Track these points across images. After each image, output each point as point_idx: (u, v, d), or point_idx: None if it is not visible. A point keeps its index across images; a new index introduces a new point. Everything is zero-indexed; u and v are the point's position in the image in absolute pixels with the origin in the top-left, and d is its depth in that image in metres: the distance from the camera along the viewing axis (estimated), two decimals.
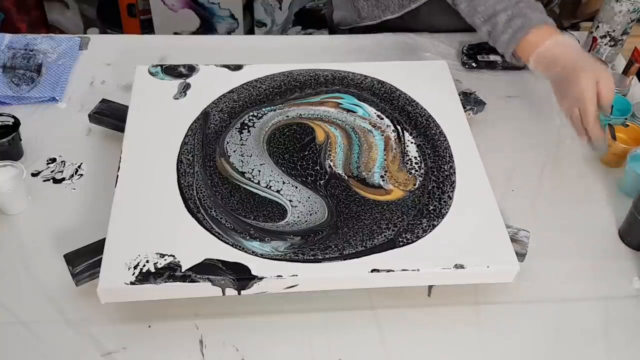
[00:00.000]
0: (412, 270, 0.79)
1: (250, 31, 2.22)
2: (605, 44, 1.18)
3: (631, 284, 0.89)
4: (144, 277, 0.76)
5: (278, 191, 0.87)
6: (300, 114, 0.98)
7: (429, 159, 0.93)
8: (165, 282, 0.75)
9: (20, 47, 1.17)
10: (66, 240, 0.85)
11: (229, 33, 2.16)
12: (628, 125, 1.04)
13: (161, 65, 1.05)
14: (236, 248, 0.79)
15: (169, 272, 0.76)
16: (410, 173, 0.91)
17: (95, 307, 0.78)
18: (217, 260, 0.78)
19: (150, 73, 1.03)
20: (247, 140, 0.94)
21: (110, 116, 1.01)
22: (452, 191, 0.88)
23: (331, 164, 0.91)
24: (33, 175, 0.96)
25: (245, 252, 0.79)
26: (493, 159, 0.97)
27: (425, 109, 1.01)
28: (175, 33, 2.11)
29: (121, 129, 0.95)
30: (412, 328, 0.83)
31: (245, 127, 0.96)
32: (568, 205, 0.98)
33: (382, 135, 0.96)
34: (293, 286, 0.78)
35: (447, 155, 0.93)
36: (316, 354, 0.79)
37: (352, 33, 1.30)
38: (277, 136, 0.95)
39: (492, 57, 1.21)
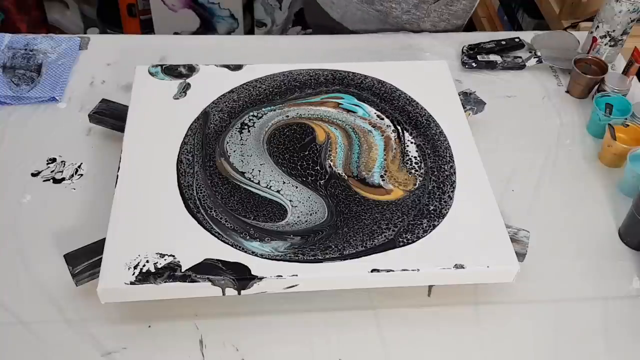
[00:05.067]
0: (412, 270, 0.79)
1: (250, 31, 2.22)
2: (605, 44, 1.18)
3: (631, 284, 0.89)
4: (144, 277, 0.76)
5: (278, 191, 0.87)
6: (300, 114, 0.98)
7: (429, 159, 0.93)
8: (165, 282, 0.75)
9: (20, 47, 1.17)
10: (66, 240, 0.85)
11: (229, 33, 2.16)
12: (628, 125, 1.04)
13: (161, 65, 1.05)
14: (236, 248, 0.79)
15: (169, 272, 0.76)
16: (410, 173, 0.91)
17: (95, 307, 0.78)
18: (217, 260, 0.78)
19: (150, 73, 1.03)
20: (247, 140, 0.94)
21: (110, 116, 1.01)
22: (452, 191, 0.88)
23: (331, 164, 0.91)
24: (33, 175, 0.96)
25: (245, 252, 0.79)
26: (493, 159, 0.97)
27: (425, 109, 1.01)
28: (175, 33, 2.11)
29: (121, 129, 0.95)
30: (412, 328, 0.83)
31: (245, 127, 0.96)
32: (568, 205, 0.98)
33: (382, 135, 0.96)
34: (293, 286, 0.78)
35: (447, 155, 0.93)
36: (316, 354, 0.79)
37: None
38: (277, 136, 0.95)
39: (492, 57, 1.20)
